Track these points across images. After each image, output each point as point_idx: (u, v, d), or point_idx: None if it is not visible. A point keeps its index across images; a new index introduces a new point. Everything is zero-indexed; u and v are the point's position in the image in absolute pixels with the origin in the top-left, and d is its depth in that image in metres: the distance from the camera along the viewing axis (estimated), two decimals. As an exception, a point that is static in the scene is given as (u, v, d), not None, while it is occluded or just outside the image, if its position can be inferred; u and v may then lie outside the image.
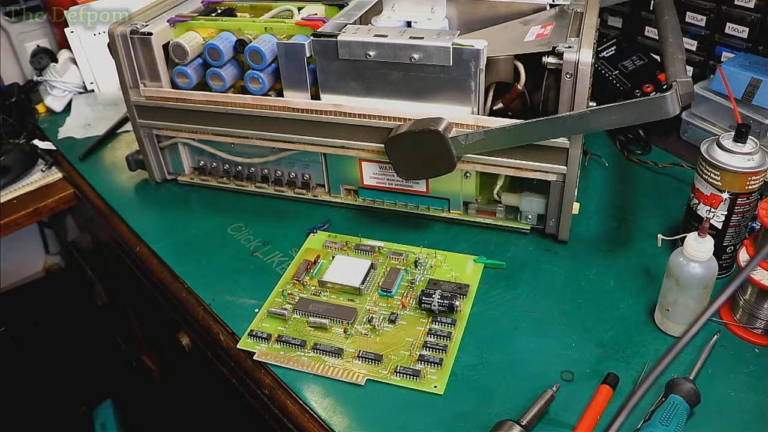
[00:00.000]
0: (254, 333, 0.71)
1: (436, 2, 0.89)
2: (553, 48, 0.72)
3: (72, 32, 1.23)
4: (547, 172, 0.77)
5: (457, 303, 0.70)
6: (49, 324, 1.54)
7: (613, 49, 1.05)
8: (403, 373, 0.65)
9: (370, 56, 0.76)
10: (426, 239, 0.84)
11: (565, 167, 0.76)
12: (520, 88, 0.79)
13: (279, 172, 0.92)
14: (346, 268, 0.77)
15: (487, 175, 0.83)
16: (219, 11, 0.92)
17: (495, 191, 0.84)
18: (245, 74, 0.84)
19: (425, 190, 0.86)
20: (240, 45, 0.83)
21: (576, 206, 0.80)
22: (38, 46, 1.33)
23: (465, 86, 0.75)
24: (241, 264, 0.82)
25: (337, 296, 0.75)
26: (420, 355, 0.67)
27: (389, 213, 0.89)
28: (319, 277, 0.77)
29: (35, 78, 1.30)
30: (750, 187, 0.69)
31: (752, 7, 0.96)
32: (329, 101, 0.81)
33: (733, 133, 0.70)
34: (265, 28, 0.85)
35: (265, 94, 0.84)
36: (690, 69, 1.05)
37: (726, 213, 0.72)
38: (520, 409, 0.61)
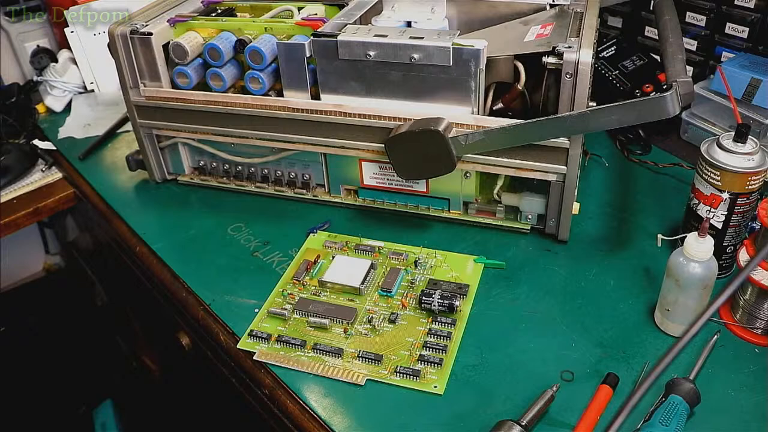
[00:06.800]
0: (254, 333, 0.71)
1: (436, 2, 0.89)
2: (553, 48, 0.72)
3: (72, 32, 1.23)
4: (547, 172, 0.77)
5: (457, 303, 0.70)
6: (49, 324, 1.54)
7: (613, 49, 1.05)
8: (403, 373, 0.65)
9: (370, 56, 0.76)
10: (426, 239, 0.84)
11: (565, 167, 0.76)
12: (520, 88, 0.79)
13: (279, 172, 0.92)
14: (346, 268, 0.77)
15: (487, 175, 0.83)
16: (219, 11, 0.92)
17: (495, 191, 0.84)
18: (245, 74, 0.84)
19: (425, 190, 0.86)
20: (240, 45, 0.83)
21: (576, 206, 0.80)
22: (38, 46, 1.33)
23: (465, 86, 0.75)
24: (241, 264, 0.82)
25: (337, 296, 0.75)
26: (420, 355, 0.67)
27: (389, 213, 0.89)
28: (319, 277, 0.77)
29: (35, 78, 1.30)
30: (750, 187, 0.69)
31: (752, 7, 0.96)
32: (329, 101, 0.81)
33: (733, 133, 0.70)
34: (265, 28, 0.85)
35: (265, 94, 0.84)
36: (690, 69, 1.05)
37: (726, 213, 0.72)
38: (520, 409, 0.61)
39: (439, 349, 0.67)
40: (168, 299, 0.84)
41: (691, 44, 1.04)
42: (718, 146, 0.70)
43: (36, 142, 1.17)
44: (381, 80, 0.78)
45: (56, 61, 1.30)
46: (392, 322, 0.71)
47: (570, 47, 0.70)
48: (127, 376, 1.45)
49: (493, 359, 0.67)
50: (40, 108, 1.27)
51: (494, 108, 0.82)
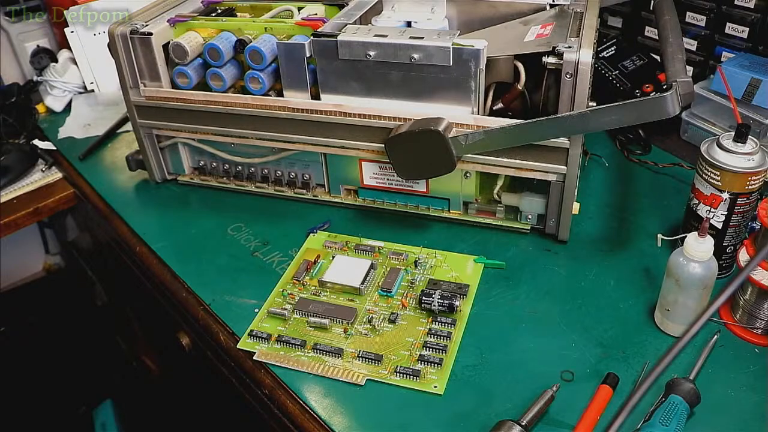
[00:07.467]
0: (254, 333, 0.71)
1: (436, 2, 0.89)
2: (553, 48, 0.72)
3: (72, 32, 1.23)
4: (547, 172, 0.77)
5: (457, 303, 0.70)
6: (49, 324, 1.54)
7: (613, 49, 1.05)
8: (403, 373, 0.65)
9: (370, 56, 0.76)
10: (426, 239, 0.84)
11: (565, 167, 0.76)
12: (520, 88, 0.79)
13: (279, 172, 0.92)
14: (346, 268, 0.77)
15: (487, 175, 0.83)
16: (219, 11, 0.92)
17: (495, 191, 0.84)
18: (245, 74, 0.84)
19: (425, 190, 0.86)
20: (240, 45, 0.83)
21: (576, 206, 0.80)
22: (38, 46, 1.33)
23: (465, 86, 0.75)
24: (241, 264, 0.82)
25: (337, 296, 0.75)
26: (420, 355, 0.67)
27: (389, 213, 0.89)
28: (319, 277, 0.77)
29: (35, 78, 1.30)
30: (750, 187, 0.69)
31: (752, 7, 0.96)
32: (329, 101, 0.81)
33: (733, 133, 0.70)
34: (265, 28, 0.85)
35: (265, 94, 0.84)
36: (690, 69, 1.05)
37: (726, 213, 0.72)
38: (520, 409, 0.61)
39: (439, 349, 0.67)
40: (168, 299, 0.84)
41: (691, 44, 1.04)
42: (718, 146, 0.70)
43: (36, 142, 1.17)
44: (381, 80, 0.78)
45: (56, 61, 1.30)
46: (392, 322, 0.71)
47: (570, 47, 0.70)
48: (127, 376, 1.45)
49: (493, 359, 0.67)
50: (40, 108, 1.27)
51: (494, 108, 0.82)
